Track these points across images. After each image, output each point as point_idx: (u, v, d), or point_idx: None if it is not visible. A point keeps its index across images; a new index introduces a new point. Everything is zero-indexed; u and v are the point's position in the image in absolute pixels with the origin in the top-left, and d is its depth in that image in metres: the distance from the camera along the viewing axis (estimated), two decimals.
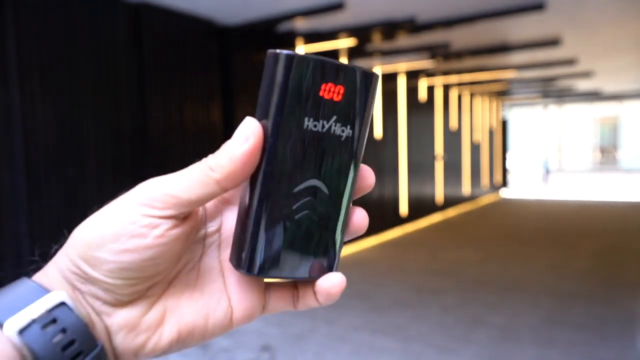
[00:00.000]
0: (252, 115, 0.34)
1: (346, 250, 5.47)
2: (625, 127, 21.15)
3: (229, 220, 0.37)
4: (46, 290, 0.31)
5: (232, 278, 0.37)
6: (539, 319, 3.43)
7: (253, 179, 0.34)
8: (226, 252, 0.37)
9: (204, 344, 2.83)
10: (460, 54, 5.75)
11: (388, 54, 5.49)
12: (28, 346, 0.29)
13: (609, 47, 5.88)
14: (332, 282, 0.36)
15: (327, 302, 0.36)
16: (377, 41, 4.93)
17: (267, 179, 0.33)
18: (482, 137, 10.31)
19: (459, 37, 5.00)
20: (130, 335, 0.33)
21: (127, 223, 0.31)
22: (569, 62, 6.41)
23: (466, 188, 9.46)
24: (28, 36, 2.89)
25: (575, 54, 6.10)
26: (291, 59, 0.32)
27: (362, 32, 4.52)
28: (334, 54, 5.16)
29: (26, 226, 2.91)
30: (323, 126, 0.34)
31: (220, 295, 0.37)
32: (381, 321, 3.45)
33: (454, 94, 8.81)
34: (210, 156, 0.33)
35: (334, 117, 0.34)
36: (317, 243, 0.35)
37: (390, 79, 6.67)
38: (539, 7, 3.82)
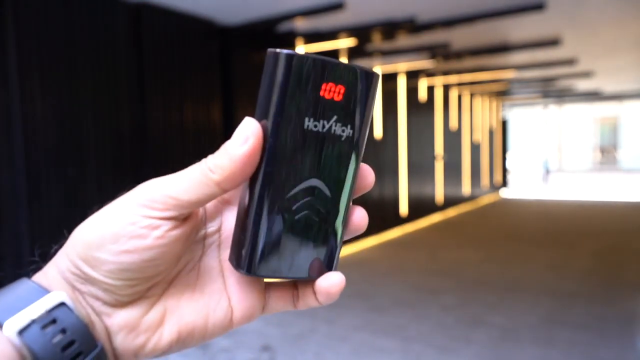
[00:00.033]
0: (252, 115, 0.33)
1: (346, 250, 5.46)
2: (625, 127, 21.15)
3: (229, 220, 0.37)
4: (46, 291, 0.31)
5: (232, 278, 0.37)
6: (539, 319, 3.43)
7: (253, 179, 0.33)
8: (226, 252, 0.37)
9: (204, 344, 2.83)
10: (460, 54, 5.75)
11: (388, 54, 5.49)
12: (28, 346, 0.29)
13: (609, 47, 5.88)
14: (331, 282, 0.36)
15: (327, 301, 0.36)
16: (377, 41, 4.93)
17: (267, 179, 0.33)
18: (482, 137, 10.31)
19: (459, 37, 5.00)
20: (130, 335, 0.33)
21: (127, 224, 0.31)
22: (569, 62, 6.41)
23: (466, 188, 9.46)
24: (28, 36, 2.89)
25: (575, 54, 6.10)
26: (291, 58, 0.31)
27: (362, 32, 4.51)
28: (334, 54, 5.15)
29: (26, 226, 2.91)
30: (323, 126, 0.33)
31: (220, 295, 0.37)
32: (381, 321, 3.45)
33: (454, 94, 8.81)
34: (210, 157, 0.33)
35: (335, 117, 0.33)
36: (317, 243, 0.35)
37: (390, 79, 6.67)
38: (539, 7, 3.82)
